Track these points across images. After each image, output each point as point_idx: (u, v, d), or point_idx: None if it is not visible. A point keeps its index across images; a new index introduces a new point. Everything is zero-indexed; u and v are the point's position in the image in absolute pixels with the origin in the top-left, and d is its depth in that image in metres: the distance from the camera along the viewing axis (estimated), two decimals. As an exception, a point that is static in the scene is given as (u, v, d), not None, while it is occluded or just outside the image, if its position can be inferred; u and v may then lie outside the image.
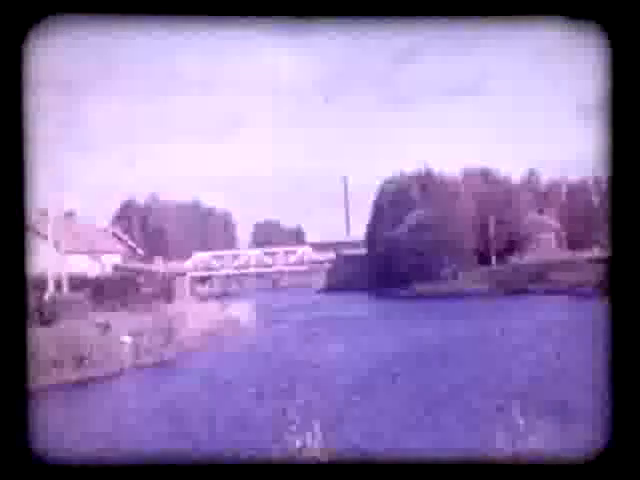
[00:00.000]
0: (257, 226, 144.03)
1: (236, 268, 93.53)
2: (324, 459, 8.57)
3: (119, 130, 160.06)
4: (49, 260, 44.86)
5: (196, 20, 5.55)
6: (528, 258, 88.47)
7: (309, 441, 9.10)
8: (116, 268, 63.33)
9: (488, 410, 19.36)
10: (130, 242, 75.66)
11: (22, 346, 5.30)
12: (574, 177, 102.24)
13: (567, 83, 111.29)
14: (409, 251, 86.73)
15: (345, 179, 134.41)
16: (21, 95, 5.40)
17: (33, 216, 41.71)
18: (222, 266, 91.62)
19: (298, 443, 9.12)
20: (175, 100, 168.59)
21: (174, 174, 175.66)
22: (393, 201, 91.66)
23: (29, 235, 5.55)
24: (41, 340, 32.70)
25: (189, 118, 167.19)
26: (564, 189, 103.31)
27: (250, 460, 5.65)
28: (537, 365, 31.45)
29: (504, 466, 5.44)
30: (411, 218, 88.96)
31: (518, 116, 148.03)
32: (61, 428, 22.44)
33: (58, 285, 46.88)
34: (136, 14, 5.51)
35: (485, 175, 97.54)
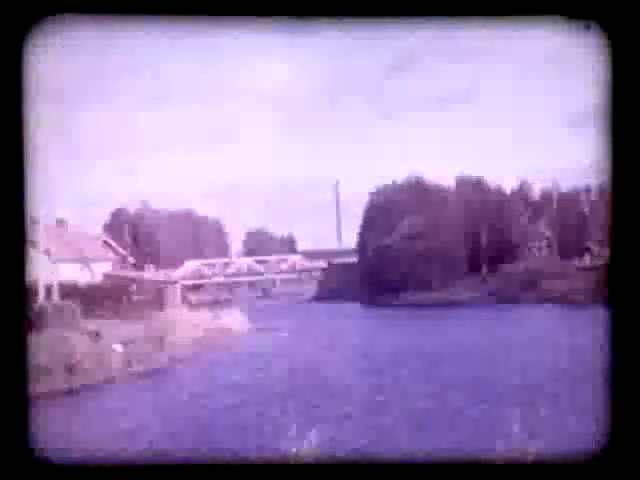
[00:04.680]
0: (249, 234, 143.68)
1: (227, 276, 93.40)
2: (322, 459, 8.58)
3: (116, 134, 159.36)
4: (40, 268, 44.76)
5: (196, 20, 5.55)
6: (519, 266, 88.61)
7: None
8: (107, 276, 63.19)
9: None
10: (121, 250, 75.47)
11: (22, 347, 5.29)
12: (566, 185, 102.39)
13: (567, 83, 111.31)
14: (400, 259, 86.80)
15: (337, 184, 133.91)
16: (20, 96, 5.39)
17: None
18: (213, 274, 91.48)
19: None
20: (174, 100, 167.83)
21: (167, 181, 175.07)
22: (385, 209, 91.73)
23: (27, 242, 5.53)
24: (31, 348, 32.53)
25: (185, 120, 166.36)
26: (556, 197, 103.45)
27: (249, 460, 5.65)
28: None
29: (504, 466, 5.45)
30: (403, 226, 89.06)
31: (516, 117, 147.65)
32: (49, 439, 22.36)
33: (49, 293, 46.75)
34: (136, 15, 5.51)
35: (477, 183, 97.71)
